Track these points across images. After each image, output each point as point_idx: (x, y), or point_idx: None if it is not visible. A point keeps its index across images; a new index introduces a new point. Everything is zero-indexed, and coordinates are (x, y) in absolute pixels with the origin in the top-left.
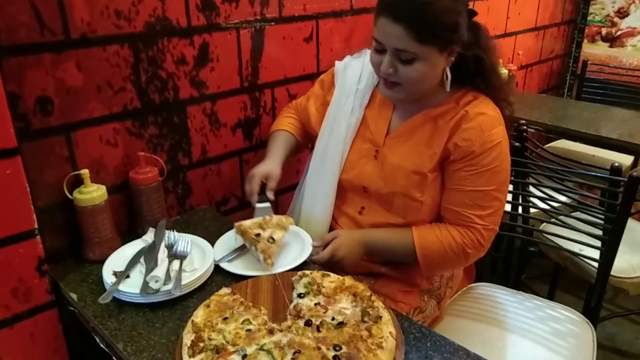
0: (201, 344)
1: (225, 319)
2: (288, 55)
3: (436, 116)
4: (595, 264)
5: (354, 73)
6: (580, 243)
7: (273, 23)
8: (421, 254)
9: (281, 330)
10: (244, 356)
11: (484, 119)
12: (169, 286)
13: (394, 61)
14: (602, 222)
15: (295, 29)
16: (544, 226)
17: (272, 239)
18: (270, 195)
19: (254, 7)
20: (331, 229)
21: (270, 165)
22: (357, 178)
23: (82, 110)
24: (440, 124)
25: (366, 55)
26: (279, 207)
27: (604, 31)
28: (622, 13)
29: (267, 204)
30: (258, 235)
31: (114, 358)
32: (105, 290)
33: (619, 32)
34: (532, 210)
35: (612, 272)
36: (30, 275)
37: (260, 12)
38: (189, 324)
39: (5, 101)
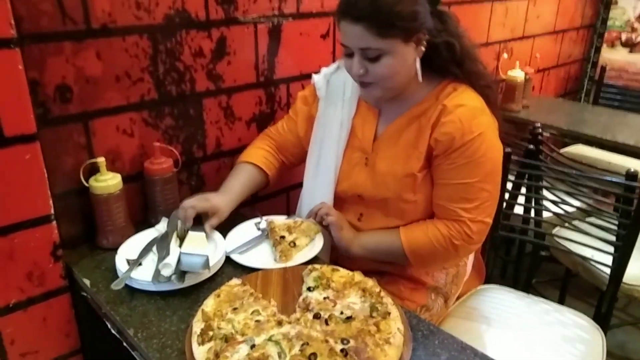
0: (210, 333)
1: (235, 309)
2: (304, 51)
3: (419, 115)
4: (608, 270)
5: (338, 84)
6: (593, 248)
7: (290, 19)
8: (410, 251)
9: (290, 322)
10: (252, 346)
11: (463, 111)
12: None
13: (362, 61)
14: (615, 227)
15: (312, 25)
16: (557, 230)
17: (293, 244)
18: (207, 229)
19: (272, 3)
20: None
21: (220, 204)
22: (352, 188)
23: (100, 99)
24: (423, 122)
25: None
26: (290, 204)
27: (624, 37)
28: None
29: (202, 234)
30: (283, 237)
31: (124, 344)
32: (117, 277)
33: (639, 38)
34: (545, 214)
35: (625, 280)
36: (45, 260)
37: (278, 7)
38: (199, 312)
39: (27, 87)
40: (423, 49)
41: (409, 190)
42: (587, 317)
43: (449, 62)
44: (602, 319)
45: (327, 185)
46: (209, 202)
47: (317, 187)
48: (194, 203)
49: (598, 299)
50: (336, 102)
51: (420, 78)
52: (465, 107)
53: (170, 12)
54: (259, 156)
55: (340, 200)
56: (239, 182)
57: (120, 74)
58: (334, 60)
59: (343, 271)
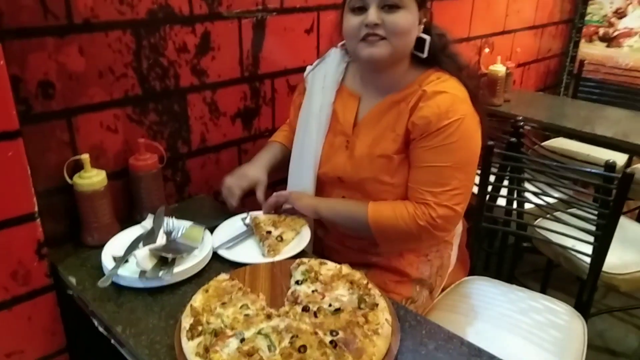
0: (200, 328)
1: (223, 303)
2: (289, 46)
3: (400, 100)
4: (588, 260)
5: (320, 74)
6: (574, 238)
7: (274, 13)
8: (373, 221)
9: (279, 316)
10: (242, 340)
11: (443, 97)
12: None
13: (379, 12)
14: (595, 217)
15: (297, 20)
16: (539, 221)
17: (280, 238)
18: (260, 199)
19: None
20: (316, 222)
21: (258, 174)
22: (332, 170)
23: (84, 95)
24: (403, 106)
25: (329, 56)
26: None
27: (601, 31)
28: (620, 14)
29: (202, 227)
30: (269, 232)
31: (112, 341)
32: (103, 274)
33: (616, 33)
34: (526, 205)
35: (604, 269)
36: (30, 259)
37: (262, 2)
38: (188, 308)
39: (9, 83)
40: (422, 29)
41: (385, 172)
42: (569, 305)
43: (440, 51)
44: (583, 307)
45: (310, 168)
46: (249, 177)
47: (302, 171)
48: (238, 183)
49: (579, 288)
50: (317, 90)
51: (426, 53)
52: (446, 94)
53: (153, 7)
54: (281, 136)
55: (322, 184)
56: (267, 153)
57: (104, 70)
58: (318, 56)
59: (331, 264)
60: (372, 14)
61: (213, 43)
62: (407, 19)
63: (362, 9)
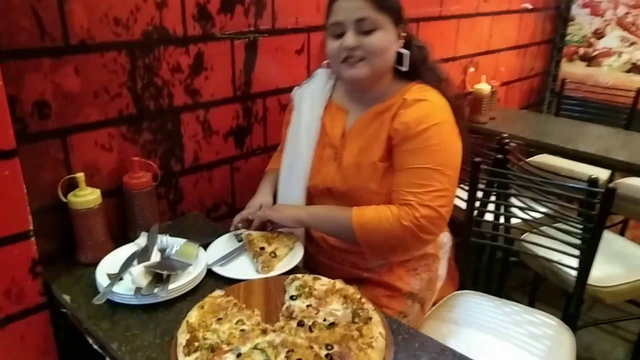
0: (196, 343)
1: (219, 319)
2: (280, 67)
3: (383, 110)
4: (574, 273)
5: (308, 92)
6: (560, 252)
7: (266, 35)
8: (357, 223)
9: (274, 331)
10: (239, 355)
11: (423, 104)
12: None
13: (356, 35)
14: (580, 231)
15: (288, 41)
16: (525, 236)
17: (274, 254)
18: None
19: (248, 19)
20: (309, 236)
21: (261, 198)
22: (322, 181)
23: (79, 115)
24: (385, 115)
25: (316, 75)
26: None
27: (581, 51)
28: (599, 34)
29: (196, 245)
30: (262, 248)
31: (107, 359)
32: (98, 292)
33: (596, 52)
34: (513, 220)
35: (590, 282)
36: (24, 277)
37: (254, 24)
38: (184, 324)
39: (6, 103)
40: (401, 45)
41: (372, 179)
42: (557, 317)
43: (421, 63)
44: (570, 319)
45: (300, 181)
46: (256, 205)
47: (292, 183)
48: (255, 214)
49: (565, 301)
50: (305, 107)
51: (406, 67)
52: (426, 102)
53: (148, 29)
54: (276, 162)
55: (311, 196)
56: (267, 182)
57: (99, 90)
58: (308, 75)
59: (324, 279)
60: (349, 38)
61: (206, 63)
62: (383, 39)
63: (341, 32)
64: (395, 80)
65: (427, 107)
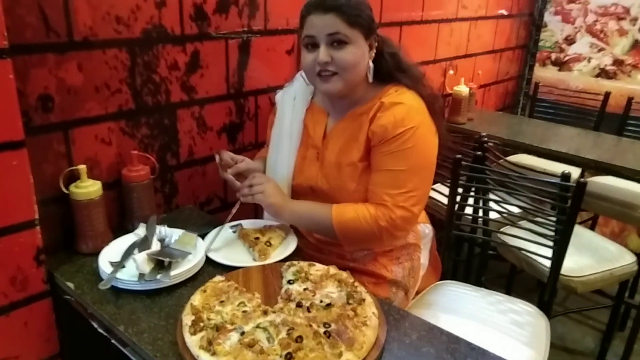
0: (201, 324)
1: (221, 302)
2: (271, 66)
3: (361, 113)
4: (548, 263)
5: (289, 95)
6: (535, 243)
7: (258, 35)
8: (337, 222)
9: (274, 312)
10: (242, 333)
11: (400, 107)
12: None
13: (328, 49)
14: (553, 224)
15: (278, 41)
16: (503, 229)
17: (269, 243)
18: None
19: (242, 20)
20: (299, 234)
21: (254, 163)
22: (305, 181)
23: (80, 109)
24: (364, 117)
25: (297, 80)
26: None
27: (553, 56)
28: (569, 40)
29: (194, 235)
30: (257, 238)
31: (112, 341)
32: (100, 280)
33: (567, 58)
34: (492, 215)
35: (563, 272)
36: (29, 265)
37: (248, 24)
38: (188, 306)
39: (16, 96)
40: (373, 54)
41: (351, 179)
42: (534, 305)
43: (394, 69)
44: (545, 307)
45: (283, 180)
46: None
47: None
48: (240, 166)
49: (540, 291)
50: (288, 109)
51: (371, 78)
52: (403, 105)
53: (147, 27)
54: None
55: (295, 194)
56: (260, 158)
57: (100, 85)
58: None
59: (319, 265)
60: (322, 53)
61: (202, 61)
62: (354, 54)
63: (314, 45)
64: (371, 85)
65: (403, 110)
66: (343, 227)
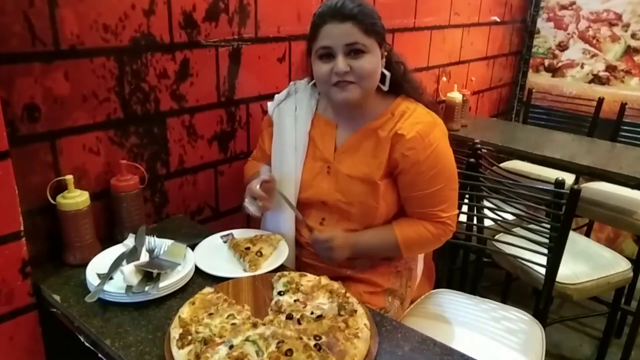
0: (189, 337)
1: (210, 314)
2: (262, 74)
3: (376, 128)
4: (543, 270)
5: (288, 107)
6: (530, 251)
7: (249, 43)
8: (404, 248)
9: (264, 324)
10: (231, 347)
11: (421, 127)
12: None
13: (346, 59)
14: (548, 231)
15: (270, 49)
16: (498, 236)
17: (260, 253)
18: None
19: (232, 27)
20: (296, 242)
21: (263, 176)
22: (315, 195)
23: (67, 119)
24: (382, 134)
25: (297, 92)
26: (250, 219)
27: (546, 62)
28: (562, 47)
29: (183, 245)
30: (248, 248)
31: (99, 355)
32: (87, 292)
33: (560, 64)
34: (487, 223)
35: (558, 279)
36: (14, 277)
37: (238, 32)
38: (176, 319)
39: (0, 105)
40: (384, 63)
41: (371, 196)
42: (529, 313)
43: (401, 78)
44: (540, 315)
45: (291, 194)
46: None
47: (280, 199)
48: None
49: (536, 298)
50: (288, 122)
51: (387, 86)
52: (422, 123)
53: (136, 35)
54: (256, 165)
55: (303, 206)
56: (263, 168)
57: (88, 94)
58: (289, 82)
59: (310, 276)
60: (340, 63)
61: (192, 70)
62: (372, 62)
63: (329, 56)
64: (380, 96)
65: (425, 129)
66: (410, 251)
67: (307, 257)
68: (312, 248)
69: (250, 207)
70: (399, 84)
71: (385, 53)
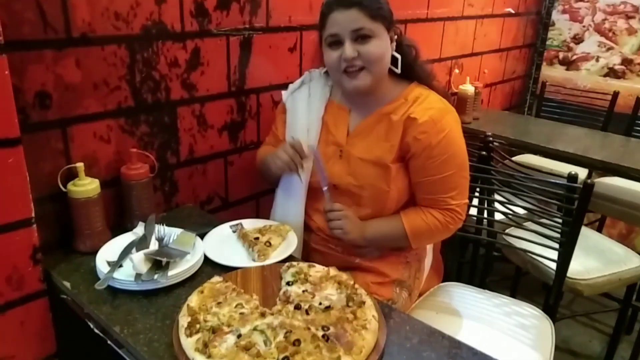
0: (197, 325)
1: (219, 303)
2: (273, 63)
3: (389, 112)
4: (554, 265)
5: (302, 95)
6: (541, 245)
7: (260, 32)
8: (412, 237)
9: (272, 314)
10: (239, 336)
11: (434, 113)
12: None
13: (353, 45)
14: (560, 226)
15: (281, 38)
16: (508, 230)
17: (269, 243)
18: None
19: (243, 16)
20: (306, 226)
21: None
22: (328, 178)
23: (79, 106)
24: (394, 118)
25: (312, 80)
26: (260, 210)
27: (561, 55)
28: (577, 39)
29: (193, 234)
30: (257, 238)
31: (108, 342)
32: (97, 279)
33: (575, 57)
34: (497, 216)
35: (569, 274)
36: (25, 263)
37: (249, 21)
38: (185, 307)
39: (12, 93)
40: (394, 46)
41: (383, 180)
42: (538, 308)
43: (413, 62)
44: (550, 311)
45: (302, 178)
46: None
47: (292, 180)
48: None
49: (545, 294)
50: (302, 108)
51: (399, 69)
52: (434, 109)
53: (147, 24)
54: (268, 149)
55: (314, 190)
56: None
57: (99, 82)
58: (300, 72)
59: (319, 267)
60: (348, 49)
61: (202, 59)
62: (379, 47)
63: (338, 43)
64: (392, 81)
65: (437, 115)
66: (418, 241)
67: (316, 242)
68: (325, 216)
69: (282, 155)
70: (411, 67)
71: (395, 36)
